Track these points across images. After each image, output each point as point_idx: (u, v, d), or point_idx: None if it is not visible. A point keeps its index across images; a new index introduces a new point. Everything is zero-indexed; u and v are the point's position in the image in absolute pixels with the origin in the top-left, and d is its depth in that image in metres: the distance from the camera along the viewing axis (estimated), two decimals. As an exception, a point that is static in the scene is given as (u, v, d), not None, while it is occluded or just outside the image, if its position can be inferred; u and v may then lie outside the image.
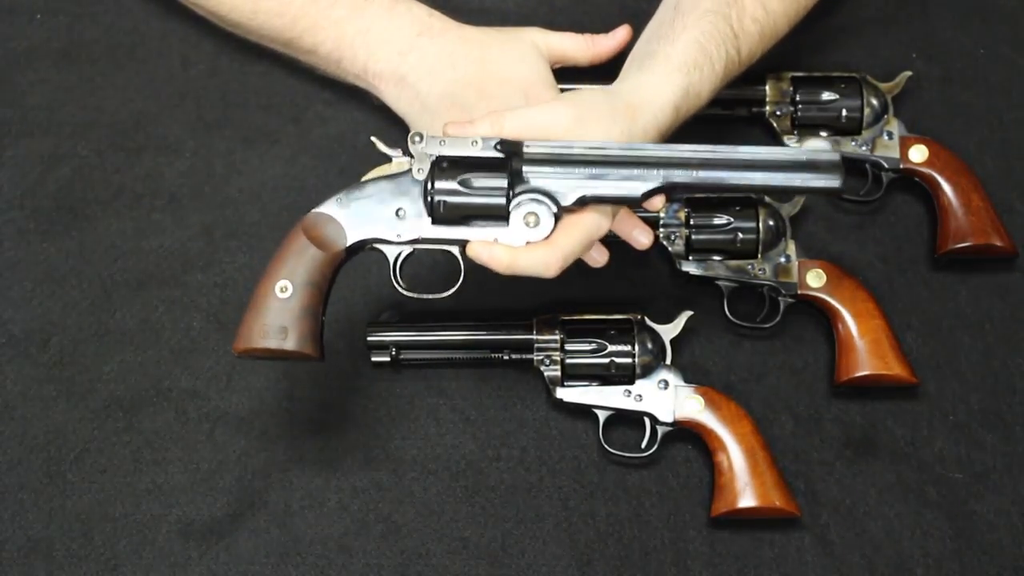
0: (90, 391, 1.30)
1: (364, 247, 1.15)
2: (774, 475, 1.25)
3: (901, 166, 1.36)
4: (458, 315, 1.31)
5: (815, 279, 1.31)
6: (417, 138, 1.12)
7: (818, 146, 1.13)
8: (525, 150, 1.12)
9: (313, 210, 1.14)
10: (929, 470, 1.30)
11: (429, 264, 1.23)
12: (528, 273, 1.12)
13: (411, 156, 1.13)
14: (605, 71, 1.27)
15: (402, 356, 1.29)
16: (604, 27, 1.32)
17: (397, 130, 1.35)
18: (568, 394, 1.27)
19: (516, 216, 1.11)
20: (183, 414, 1.30)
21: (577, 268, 1.26)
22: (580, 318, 1.29)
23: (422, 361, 1.30)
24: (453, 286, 1.16)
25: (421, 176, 1.13)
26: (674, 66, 1.17)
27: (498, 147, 1.11)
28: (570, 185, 1.11)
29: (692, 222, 1.32)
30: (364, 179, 1.15)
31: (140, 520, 1.27)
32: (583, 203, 1.12)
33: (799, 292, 1.31)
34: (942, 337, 1.34)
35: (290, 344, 1.12)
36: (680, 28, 1.20)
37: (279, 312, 1.13)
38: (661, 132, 1.17)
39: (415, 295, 1.17)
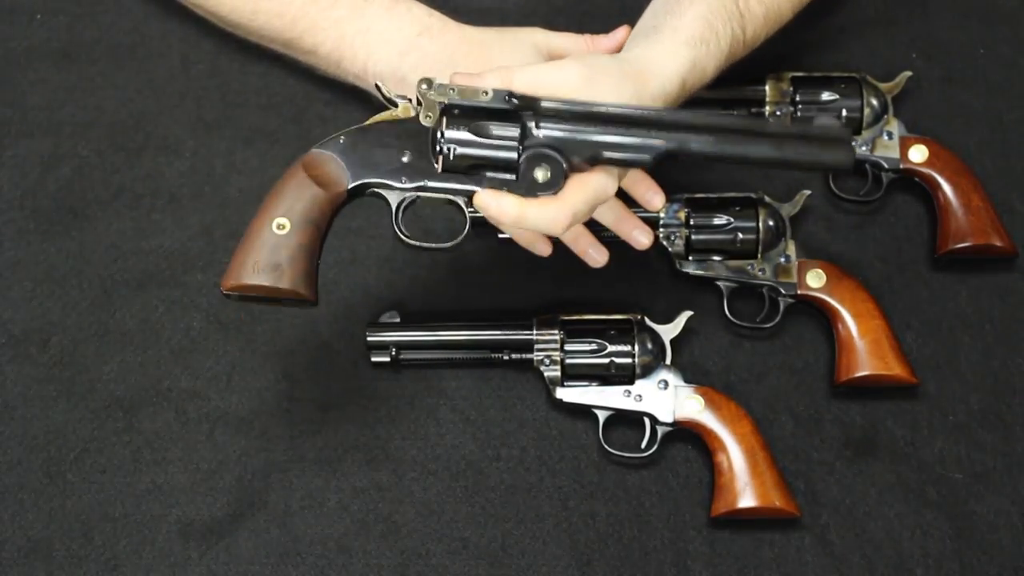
0: (90, 391, 1.30)
1: (366, 191, 1.12)
2: (774, 475, 1.25)
3: (901, 166, 1.36)
4: (458, 315, 1.31)
5: (815, 279, 1.31)
6: (425, 85, 1.10)
7: (828, 123, 1.12)
8: (539, 104, 1.09)
9: (314, 148, 1.12)
10: (929, 470, 1.30)
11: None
12: (535, 227, 1.10)
13: (418, 103, 1.10)
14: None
15: (402, 356, 1.29)
16: (604, 27, 1.32)
17: (397, 130, 1.35)
18: (568, 394, 1.27)
19: (526, 168, 1.09)
20: (183, 414, 1.30)
21: (577, 268, 1.26)
22: (580, 318, 1.29)
23: (422, 361, 1.30)
24: (454, 234, 1.13)
25: (429, 123, 1.10)
26: (681, 39, 1.17)
27: (511, 99, 1.09)
28: (582, 143, 1.09)
29: (692, 222, 1.32)
30: (369, 122, 1.12)
31: (140, 520, 1.27)
32: (593, 162, 1.10)
33: (799, 292, 1.31)
34: (942, 337, 1.34)
35: (285, 282, 1.08)
36: (687, 3, 1.20)
37: (275, 248, 1.08)
38: (668, 103, 1.17)
39: (416, 243, 1.14)
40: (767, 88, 1.37)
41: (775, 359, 1.33)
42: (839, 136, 1.11)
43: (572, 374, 1.27)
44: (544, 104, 1.10)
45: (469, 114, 1.09)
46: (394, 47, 1.27)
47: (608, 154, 1.10)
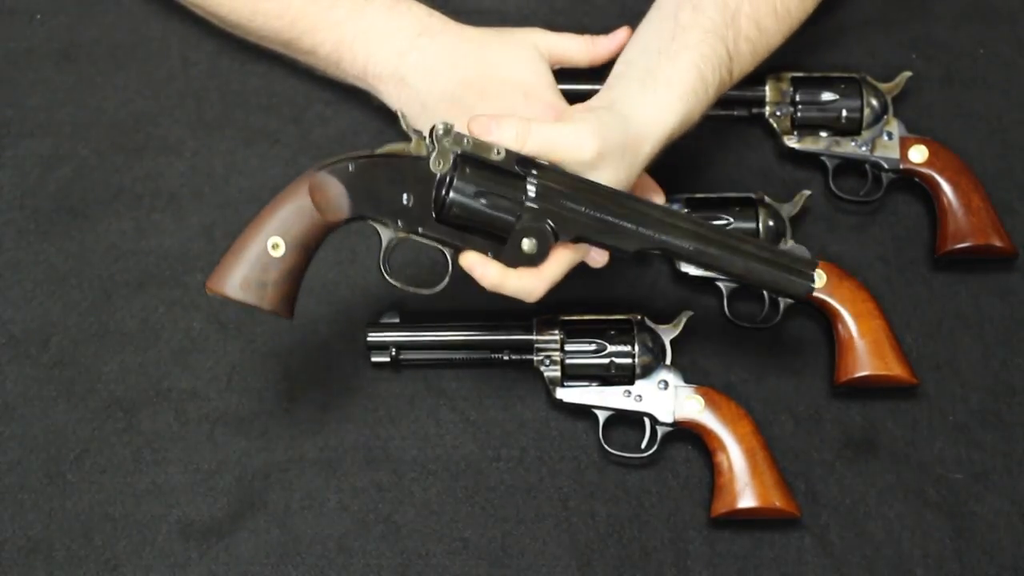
0: (90, 391, 1.30)
1: (362, 220, 1.13)
2: (774, 475, 1.25)
3: (901, 166, 1.36)
4: (458, 315, 1.31)
5: (815, 279, 1.31)
6: (442, 130, 1.10)
7: (801, 254, 1.18)
8: (545, 176, 1.11)
9: (323, 171, 1.11)
10: (929, 470, 1.30)
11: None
12: (511, 294, 1.13)
13: (431, 141, 1.10)
14: (604, 71, 1.26)
15: (402, 356, 1.29)
16: (604, 27, 1.32)
17: (397, 130, 1.35)
18: (568, 394, 1.27)
19: (516, 238, 1.11)
20: (183, 414, 1.30)
21: (577, 268, 1.26)
22: (580, 318, 1.29)
23: (422, 361, 1.30)
24: (439, 282, 1.15)
25: (438, 170, 1.10)
26: (676, 94, 1.18)
27: (520, 166, 1.10)
28: (576, 223, 1.11)
29: (692, 222, 1.32)
30: (379, 151, 1.12)
31: (140, 520, 1.27)
32: (579, 240, 1.13)
33: (799, 292, 1.31)
34: (942, 337, 1.34)
35: (267, 304, 1.10)
36: (681, 47, 1.19)
37: (265, 268, 1.10)
38: (654, 158, 1.18)
39: (400, 285, 1.15)
40: (767, 88, 1.37)
41: (775, 359, 1.33)
42: (804, 272, 1.16)
43: (572, 374, 1.27)
44: (549, 177, 1.11)
45: (480, 171, 1.10)
46: (394, 48, 1.27)
47: (595, 239, 1.13)
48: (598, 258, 1.26)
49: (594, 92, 1.22)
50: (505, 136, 1.10)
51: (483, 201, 1.10)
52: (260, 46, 1.35)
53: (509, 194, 1.10)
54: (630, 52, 1.23)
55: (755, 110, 1.38)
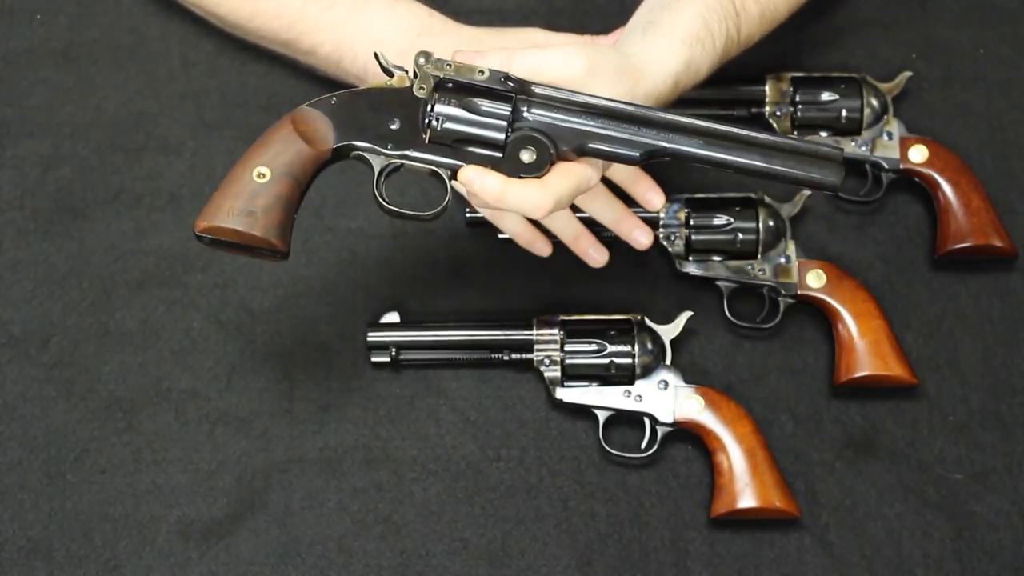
0: (90, 391, 1.30)
1: (350, 152, 1.11)
2: (774, 475, 1.25)
3: (901, 166, 1.36)
4: (458, 315, 1.31)
5: (815, 279, 1.31)
6: (423, 58, 1.09)
7: (822, 140, 1.12)
8: (533, 89, 1.09)
9: (304, 104, 1.11)
10: (929, 470, 1.30)
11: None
12: (516, 208, 1.08)
13: (415, 75, 1.09)
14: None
15: (402, 356, 1.29)
16: (604, 27, 1.32)
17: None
18: (568, 394, 1.27)
19: (513, 148, 1.08)
20: (183, 414, 1.30)
21: (577, 268, 1.26)
22: (580, 318, 1.29)
23: (422, 361, 1.30)
24: (437, 207, 1.11)
25: (422, 94, 1.09)
26: (678, 37, 1.17)
27: (506, 80, 1.09)
28: (571, 131, 1.09)
29: (692, 222, 1.31)
30: (363, 87, 1.12)
31: (140, 520, 1.27)
32: (580, 153, 1.09)
33: (799, 292, 1.31)
34: (942, 337, 1.34)
35: (258, 230, 1.07)
36: (684, 1, 1.19)
37: (252, 195, 1.08)
38: (659, 101, 1.16)
39: (395, 209, 1.12)
40: (767, 88, 1.37)
41: (775, 359, 1.33)
42: (831, 155, 1.09)
43: (572, 374, 1.27)
44: (537, 89, 1.09)
45: (462, 90, 1.09)
46: (394, 48, 1.27)
47: (595, 146, 1.09)
48: (598, 258, 1.26)
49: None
50: (489, 64, 1.09)
51: (471, 116, 1.08)
52: (260, 46, 1.35)
53: (497, 107, 1.08)
54: (635, 16, 1.22)
55: (755, 110, 1.38)
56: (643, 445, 1.28)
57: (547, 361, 1.28)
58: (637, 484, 1.29)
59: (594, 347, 1.27)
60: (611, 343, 1.27)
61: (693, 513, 1.28)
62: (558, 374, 1.27)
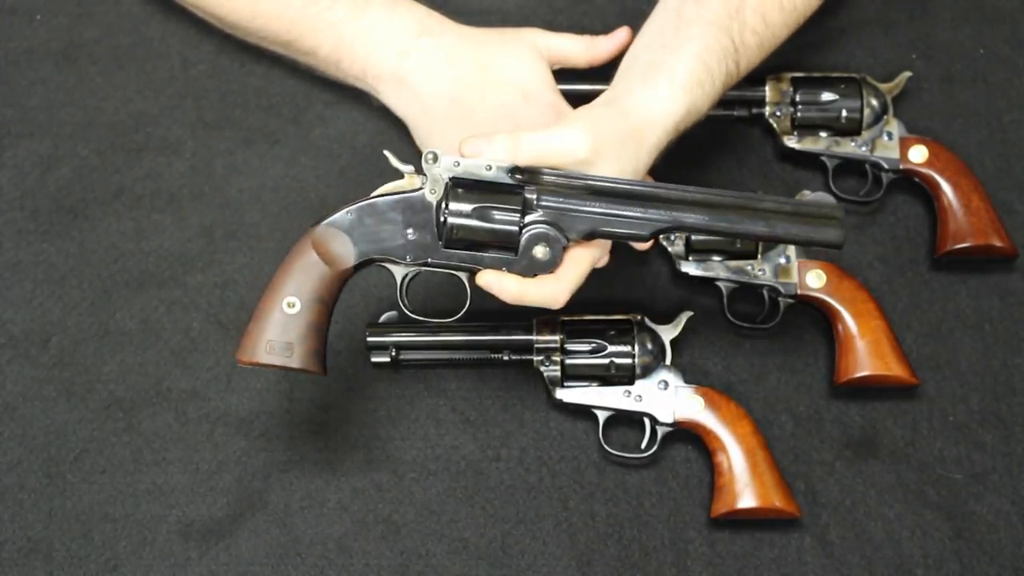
0: (90, 391, 1.30)
1: (371, 263, 1.14)
2: (774, 475, 1.25)
3: (901, 167, 1.36)
4: (451, 312, 1.31)
5: (815, 279, 1.31)
6: (431, 157, 1.11)
7: (822, 200, 1.14)
8: (542, 178, 1.11)
9: (323, 223, 1.13)
10: (929, 470, 1.30)
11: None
12: (535, 304, 1.13)
13: (423, 173, 1.11)
14: (604, 71, 1.27)
15: (402, 357, 1.29)
16: (604, 28, 1.32)
17: (397, 131, 1.35)
18: (568, 395, 1.27)
19: (526, 246, 1.11)
20: (183, 414, 1.30)
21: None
22: (580, 319, 1.29)
23: (422, 361, 1.30)
24: (457, 304, 1.16)
25: (434, 197, 1.11)
26: (679, 84, 1.17)
27: (514, 175, 1.11)
28: (582, 219, 1.11)
29: (692, 222, 1.31)
30: (375, 194, 1.13)
31: (140, 520, 1.27)
32: (590, 237, 1.12)
33: (799, 292, 1.31)
34: (942, 337, 1.34)
35: (295, 362, 1.12)
36: (684, 39, 1.19)
37: (285, 328, 1.12)
38: (661, 151, 1.18)
39: (421, 318, 1.17)
40: (767, 89, 1.37)
41: (775, 359, 1.33)
42: (831, 214, 1.13)
43: (572, 374, 1.27)
44: (547, 178, 1.11)
45: (473, 190, 1.10)
46: (394, 48, 1.27)
47: (606, 230, 1.12)
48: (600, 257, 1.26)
49: (595, 92, 1.22)
50: (496, 152, 1.10)
51: (484, 218, 1.10)
52: (260, 47, 1.35)
53: (508, 205, 1.10)
54: (634, 50, 1.22)
55: (755, 110, 1.38)
56: (643, 445, 1.28)
57: (547, 361, 1.28)
58: (637, 484, 1.29)
59: (594, 347, 1.27)
60: (611, 343, 1.27)
61: (693, 513, 1.28)
62: (558, 374, 1.27)
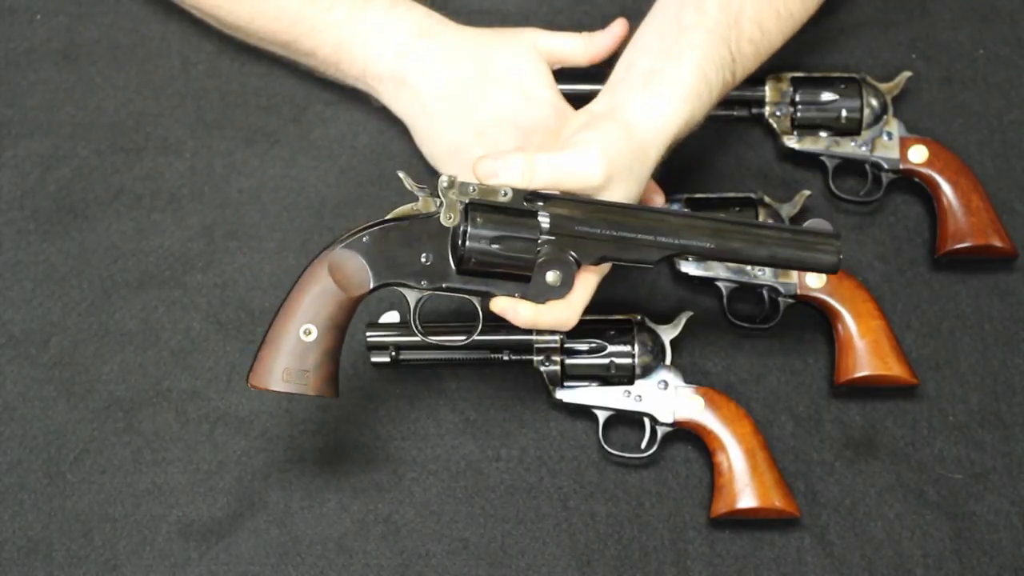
0: (90, 391, 1.30)
1: (386, 287, 1.14)
2: (774, 475, 1.25)
3: (901, 166, 1.36)
4: (458, 316, 1.31)
5: (815, 279, 1.31)
6: (446, 183, 1.10)
7: (821, 227, 1.16)
8: (558, 211, 1.11)
9: (338, 247, 1.12)
10: (929, 470, 1.30)
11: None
12: (548, 328, 1.15)
13: (437, 195, 1.11)
14: (605, 71, 1.26)
15: (402, 357, 1.29)
16: (603, 28, 1.32)
17: (397, 131, 1.35)
18: (568, 394, 1.27)
19: (539, 273, 1.12)
20: (183, 414, 1.30)
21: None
22: (580, 318, 1.28)
23: (422, 361, 1.30)
24: (464, 312, 1.17)
25: (449, 223, 1.11)
26: (679, 96, 1.17)
27: (530, 201, 1.11)
28: (594, 246, 1.12)
29: (692, 222, 1.31)
30: (389, 217, 1.13)
31: (140, 520, 1.27)
32: (601, 261, 1.13)
33: (799, 292, 1.31)
34: (942, 337, 1.34)
35: (311, 390, 1.11)
36: (685, 47, 1.18)
37: (302, 356, 1.11)
38: (659, 163, 1.18)
39: (434, 339, 1.18)
40: (767, 88, 1.37)
41: (775, 359, 1.33)
42: (828, 241, 1.16)
43: (572, 374, 1.27)
44: (560, 205, 1.11)
45: (490, 217, 1.10)
46: (393, 48, 1.27)
47: (616, 255, 1.13)
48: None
49: (594, 92, 1.21)
50: (511, 175, 1.11)
51: (500, 245, 1.10)
52: (260, 48, 1.35)
53: (524, 232, 1.10)
54: (632, 54, 1.22)
55: (755, 110, 1.38)
56: (643, 445, 1.28)
57: (547, 361, 1.27)
58: (637, 484, 1.29)
59: (594, 347, 1.27)
60: (611, 343, 1.27)
61: (693, 513, 1.28)
62: (558, 374, 1.27)
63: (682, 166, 1.34)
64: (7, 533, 1.26)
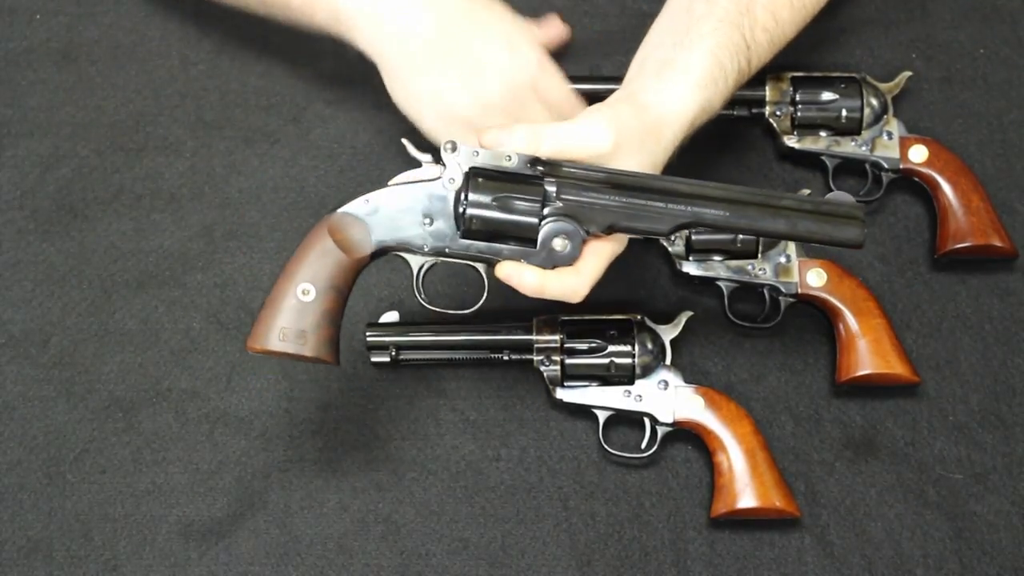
0: (90, 391, 1.31)
1: (387, 252, 1.13)
2: (774, 475, 1.25)
3: (901, 166, 1.36)
4: (462, 304, 1.31)
5: (816, 278, 1.31)
6: (450, 147, 1.10)
7: (842, 199, 1.13)
8: (562, 170, 1.10)
9: (339, 210, 1.12)
10: (929, 470, 1.30)
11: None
12: (555, 298, 1.12)
13: (441, 162, 1.11)
14: (613, 71, 1.26)
15: (402, 356, 1.29)
16: (604, 28, 1.33)
17: (397, 131, 1.35)
18: (568, 394, 1.27)
19: (545, 238, 1.10)
20: (183, 414, 1.30)
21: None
22: (580, 318, 1.29)
23: (422, 361, 1.30)
24: (473, 297, 1.16)
25: (453, 187, 1.10)
26: (694, 81, 1.16)
27: (534, 167, 1.10)
28: (602, 212, 1.10)
29: (692, 222, 1.31)
30: (392, 182, 1.13)
31: (140, 520, 1.27)
32: (611, 231, 1.12)
33: (799, 292, 1.31)
34: (942, 337, 1.34)
35: (308, 350, 1.10)
36: (697, 37, 1.18)
37: (299, 315, 1.10)
38: (677, 147, 1.17)
39: (437, 309, 1.16)
40: (767, 88, 1.37)
41: (775, 359, 1.33)
42: (852, 214, 1.12)
43: (572, 374, 1.27)
44: (567, 170, 1.10)
45: (492, 180, 1.09)
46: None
47: (626, 224, 1.11)
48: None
49: (597, 91, 1.21)
50: (516, 144, 1.09)
51: (503, 208, 1.09)
52: (237, 8, 1.32)
53: (528, 196, 1.09)
54: (645, 49, 1.21)
55: (755, 110, 1.38)
56: (643, 445, 1.28)
57: (547, 361, 1.27)
58: (637, 484, 1.29)
59: (594, 347, 1.27)
60: (611, 343, 1.27)
61: (693, 513, 1.28)
62: (558, 374, 1.27)
63: (682, 166, 1.34)
64: (7, 533, 1.26)
